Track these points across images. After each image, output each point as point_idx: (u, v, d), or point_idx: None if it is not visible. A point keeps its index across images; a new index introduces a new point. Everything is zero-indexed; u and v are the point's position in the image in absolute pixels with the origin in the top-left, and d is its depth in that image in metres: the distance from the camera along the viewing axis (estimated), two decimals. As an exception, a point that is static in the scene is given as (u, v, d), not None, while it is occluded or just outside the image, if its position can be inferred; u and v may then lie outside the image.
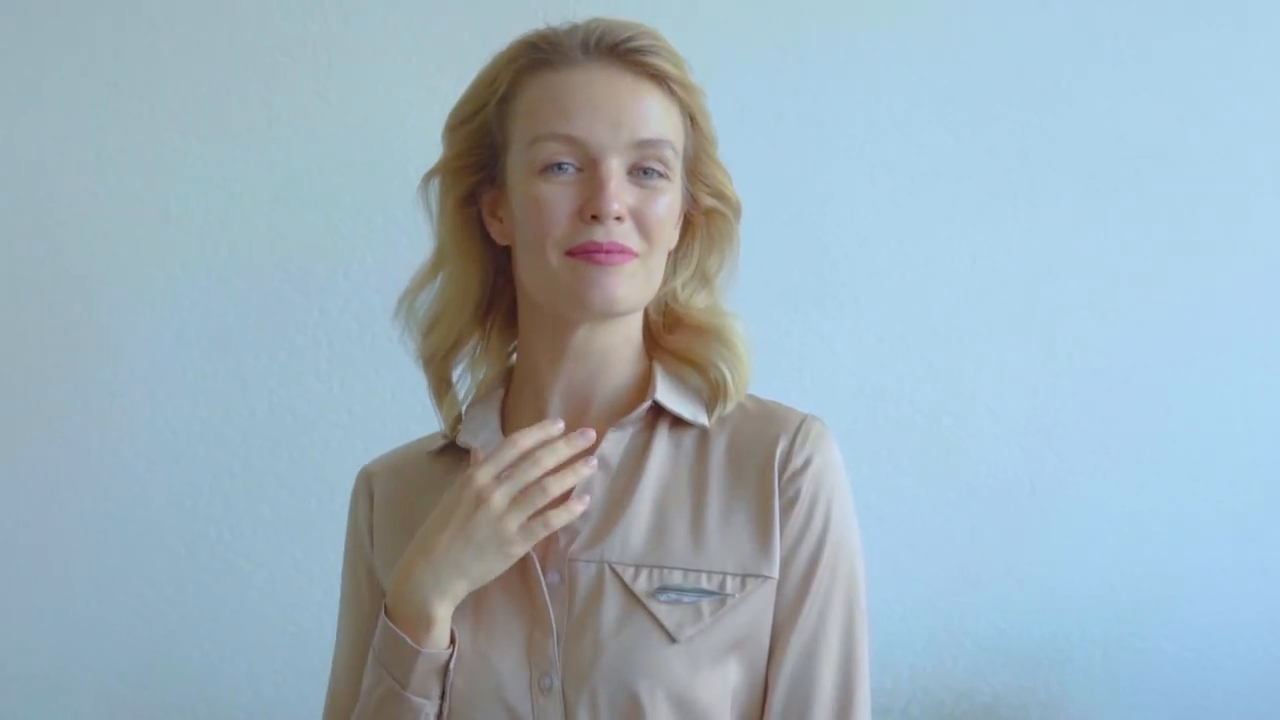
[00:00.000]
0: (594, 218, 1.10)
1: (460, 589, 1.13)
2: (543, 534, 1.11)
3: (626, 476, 1.20)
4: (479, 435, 1.24)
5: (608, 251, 1.11)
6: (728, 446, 1.21)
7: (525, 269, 1.15)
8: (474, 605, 1.16)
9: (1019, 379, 1.79)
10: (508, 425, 1.25)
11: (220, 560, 1.75)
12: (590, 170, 1.12)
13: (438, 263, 1.24)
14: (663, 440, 1.22)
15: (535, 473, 1.12)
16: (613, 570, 1.15)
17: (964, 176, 1.79)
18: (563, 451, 1.13)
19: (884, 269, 1.80)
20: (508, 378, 1.29)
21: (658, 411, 1.21)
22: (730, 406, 1.22)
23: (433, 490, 1.24)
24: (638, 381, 1.23)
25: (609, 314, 1.14)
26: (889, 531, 1.77)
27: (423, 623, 1.13)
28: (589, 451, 1.18)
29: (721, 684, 1.15)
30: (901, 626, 1.77)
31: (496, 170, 1.17)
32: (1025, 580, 1.79)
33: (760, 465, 1.18)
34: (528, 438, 1.13)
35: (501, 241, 1.19)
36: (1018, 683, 1.77)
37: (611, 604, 1.13)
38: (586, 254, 1.11)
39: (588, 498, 1.12)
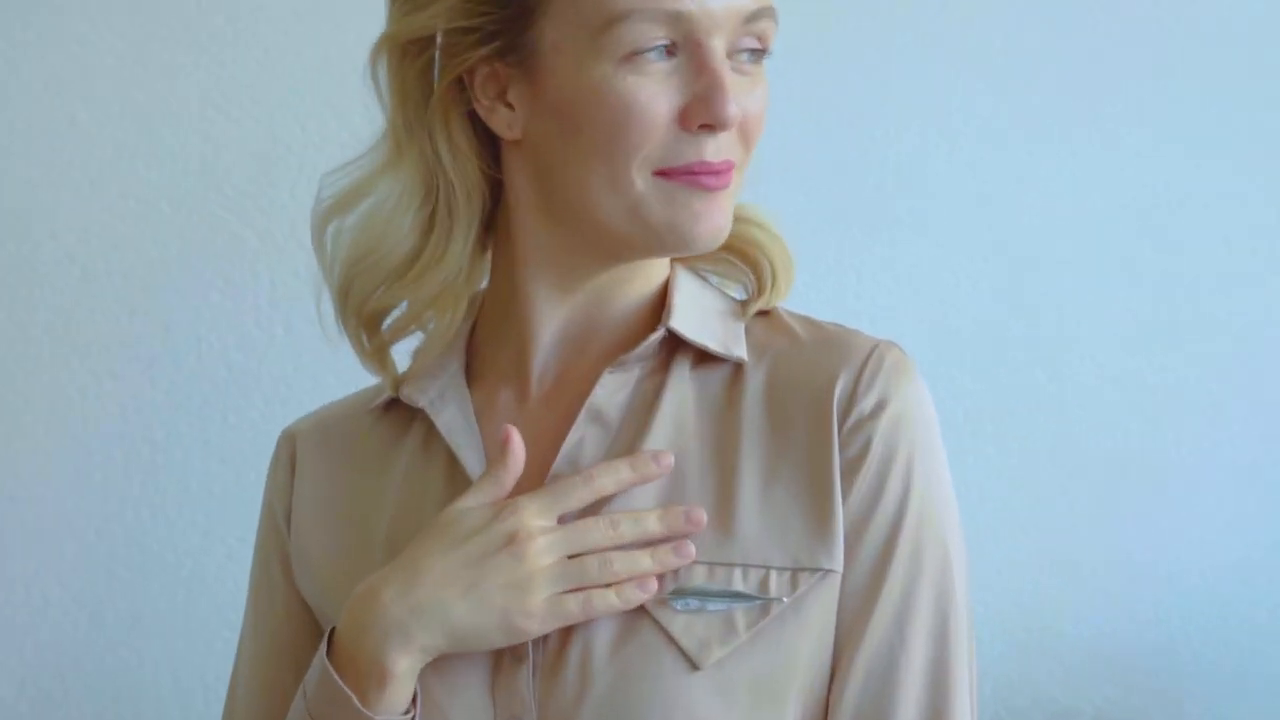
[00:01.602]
0: (704, 127, 0.87)
1: (435, 643, 0.87)
2: (577, 619, 0.86)
3: (629, 434, 0.92)
4: (430, 388, 0.97)
5: (718, 172, 0.89)
6: (769, 387, 0.92)
7: (577, 186, 0.90)
8: None
9: (1130, 326, 1.62)
10: (474, 373, 0.99)
11: (139, 549, 1.57)
12: (691, 56, 0.87)
13: (393, 162, 0.95)
14: (681, 383, 0.93)
15: (607, 537, 0.88)
16: None
17: (1065, 74, 1.60)
18: (653, 524, 0.89)
19: (961, 186, 1.60)
20: (476, 308, 1.02)
21: (675, 345, 0.94)
22: (773, 300, 0.97)
23: (375, 460, 1.00)
24: (650, 302, 0.96)
25: (708, 249, 0.91)
26: (965, 511, 1.51)
27: (375, 675, 0.86)
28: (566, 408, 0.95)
29: None
30: (981, 629, 1.54)
31: (516, 38, 0.90)
32: (1135, 574, 1.63)
33: (814, 411, 0.90)
34: (612, 475, 0.89)
35: (509, 135, 0.92)
36: (1125, 699, 1.61)
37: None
38: (691, 176, 0.88)
39: (653, 585, 0.88)
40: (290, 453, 1.03)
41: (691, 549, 0.86)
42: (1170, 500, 1.61)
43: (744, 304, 0.97)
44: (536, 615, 0.85)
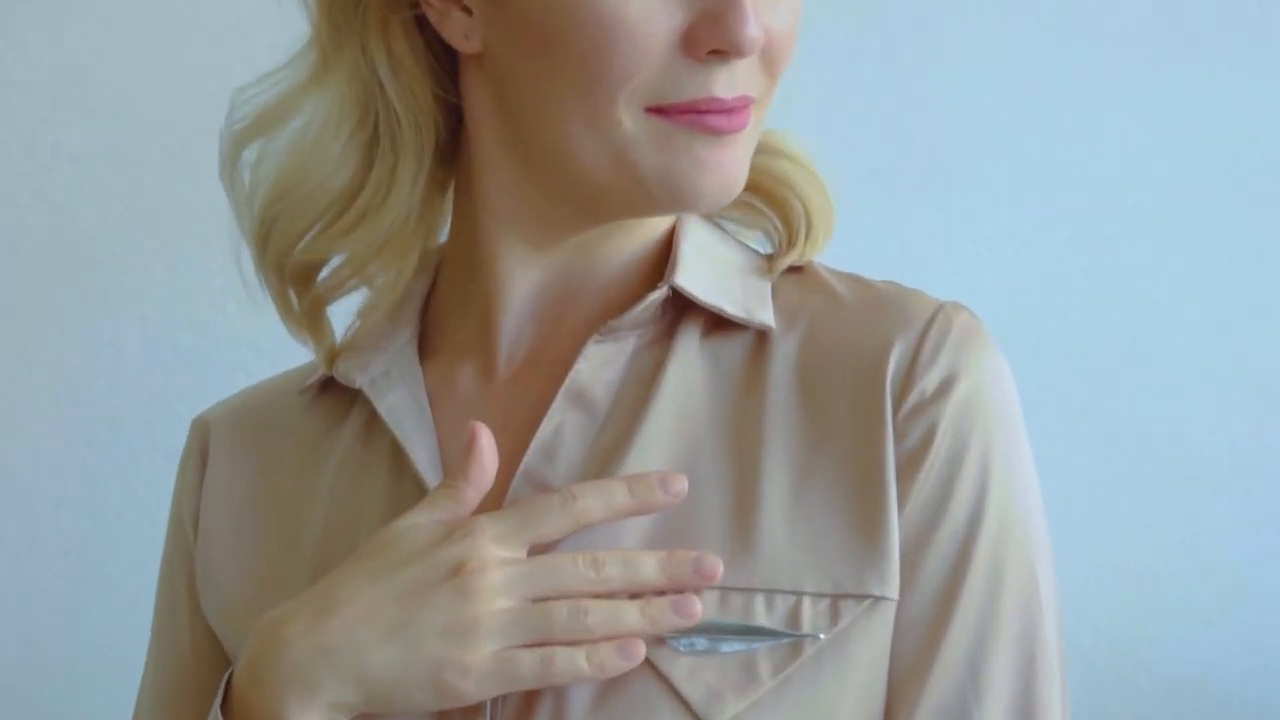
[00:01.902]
0: (715, 53, 0.69)
1: (345, 698, 0.67)
2: (529, 683, 0.67)
3: (620, 422, 0.73)
4: (372, 364, 0.80)
5: (732, 111, 0.70)
6: (802, 360, 0.73)
7: (548, 120, 0.71)
8: None
9: (1226, 309, 1.45)
10: (430, 345, 0.81)
11: (77, 560, 1.41)
12: None
13: (318, 76, 0.77)
14: (688, 356, 0.74)
15: (585, 580, 0.68)
16: None
17: (1145, 3, 1.42)
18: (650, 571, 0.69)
19: (1028, 142, 1.44)
20: (431, 268, 0.84)
21: (681, 308, 0.75)
22: (808, 253, 0.78)
23: (303, 455, 0.82)
24: (648, 257, 0.78)
25: (714, 208, 0.73)
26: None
27: None
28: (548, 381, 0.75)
29: None
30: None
31: None
32: (1228, 593, 1.47)
33: (861, 391, 0.71)
34: (601, 498, 0.69)
35: (465, 47, 0.75)
36: (1216, 741, 1.46)
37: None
38: (695, 115, 0.70)
39: (637, 651, 0.67)
40: (201, 445, 0.85)
41: (698, 608, 0.67)
42: (1268, 511, 1.45)
43: (770, 259, 0.78)
44: (475, 672, 0.65)
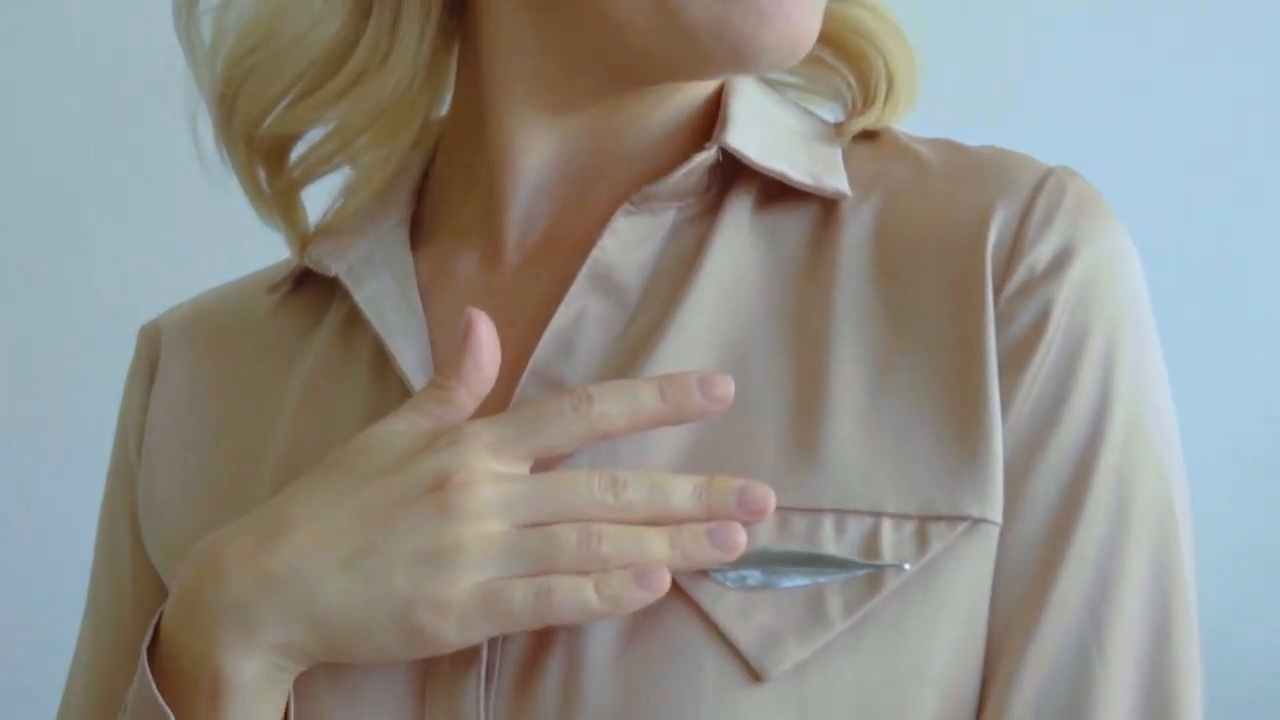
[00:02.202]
0: None
1: (294, 639, 0.53)
2: (523, 622, 0.52)
3: (655, 310, 0.59)
4: (351, 249, 0.66)
5: None
6: (879, 235, 0.59)
7: None
8: None
9: None
10: (424, 231, 0.67)
11: (9, 549, 1.24)
12: None
13: None
14: (738, 232, 0.60)
15: (600, 505, 0.53)
16: None
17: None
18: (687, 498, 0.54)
19: (1101, 72, 1.29)
20: (430, 141, 0.69)
21: (731, 176, 0.61)
22: (887, 117, 0.64)
23: (270, 361, 0.68)
24: (690, 121, 0.63)
25: (781, 68, 0.60)
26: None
27: (206, 685, 0.53)
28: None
29: None
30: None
31: None
32: None
33: (954, 268, 0.57)
34: (625, 400, 0.54)
35: None
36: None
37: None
38: None
39: (661, 581, 0.52)
40: (150, 354, 0.71)
41: (740, 539, 0.52)
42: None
43: (839, 126, 0.64)
44: (454, 609, 0.51)
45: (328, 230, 0.67)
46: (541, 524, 0.52)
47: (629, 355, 0.57)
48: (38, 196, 1.28)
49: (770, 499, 0.53)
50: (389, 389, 0.61)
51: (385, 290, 0.63)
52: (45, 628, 1.16)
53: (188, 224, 1.25)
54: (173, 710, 0.53)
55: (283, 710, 0.54)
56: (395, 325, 0.61)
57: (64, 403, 1.28)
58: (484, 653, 0.53)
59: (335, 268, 0.64)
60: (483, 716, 0.53)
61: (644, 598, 0.51)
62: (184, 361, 0.69)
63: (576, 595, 0.51)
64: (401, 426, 0.55)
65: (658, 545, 0.52)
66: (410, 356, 0.60)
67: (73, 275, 1.28)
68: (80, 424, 1.21)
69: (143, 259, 1.25)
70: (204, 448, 0.66)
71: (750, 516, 0.52)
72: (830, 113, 0.66)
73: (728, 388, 0.53)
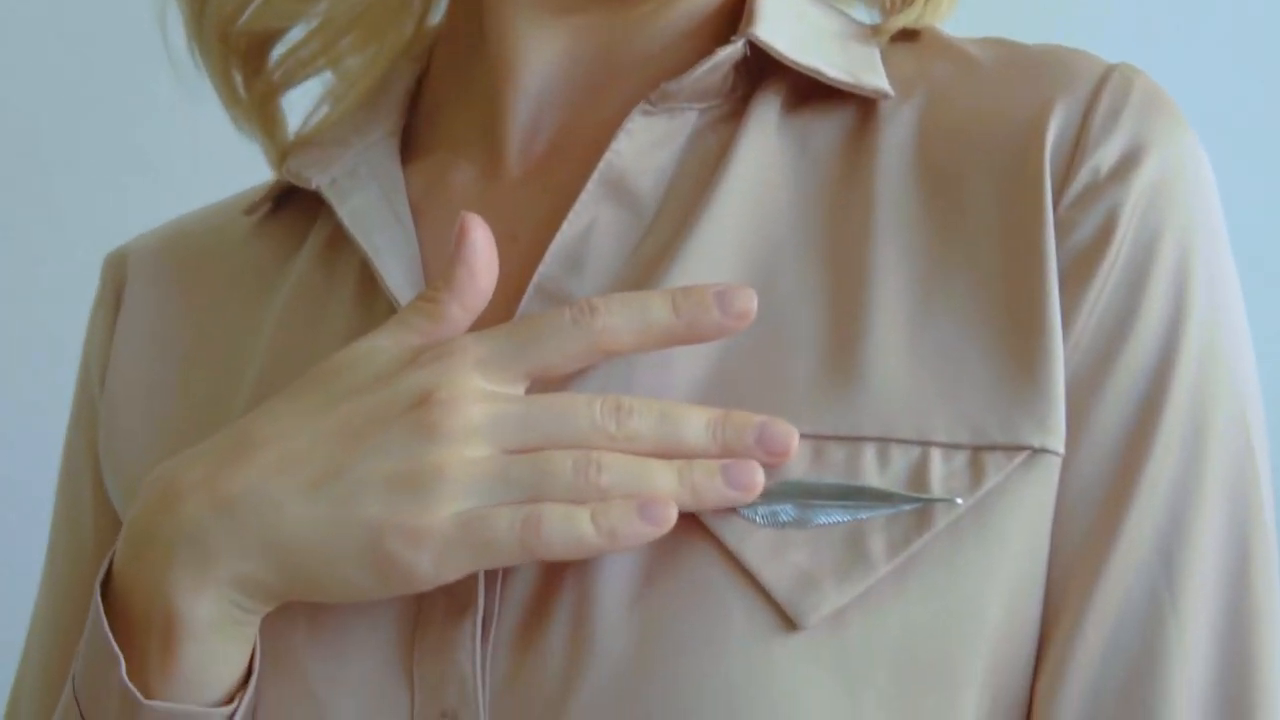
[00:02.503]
0: None
1: (255, 572, 0.46)
2: (510, 556, 0.45)
3: (673, 220, 0.52)
4: (335, 161, 0.59)
5: None
6: (923, 138, 0.52)
7: None
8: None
9: None
10: (417, 143, 0.60)
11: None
12: None
13: None
14: (766, 135, 0.53)
15: (601, 432, 0.47)
16: None
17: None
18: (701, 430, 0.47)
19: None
20: (424, 48, 0.63)
21: (758, 75, 0.55)
22: (929, 16, 0.57)
23: (247, 287, 0.61)
24: (710, 17, 0.56)
25: None
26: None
27: (158, 623, 0.47)
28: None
29: None
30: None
31: None
32: None
33: (1008, 171, 0.50)
34: (633, 314, 0.47)
35: None
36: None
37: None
38: None
39: (667, 514, 0.46)
40: (115, 283, 0.65)
41: (758, 477, 0.46)
42: None
43: (876, 27, 0.57)
44: (430, 540, 0.45)
45: (309, 141, 0.60)
46: (533, 449, 0.46)
47: (644, 270, 0.51)
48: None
49: (793, 438, 0.46)
50: (376, 313, 0.54)
51: (372, 204, 0.56)
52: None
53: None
54: (124, 652, 0.47)
55: (247, 656, 0.48)
56: (382, 242, 0.55)
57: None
58: (480, 598, 0.47)
59: (317, 181, 0.57)
60: (479, 669, 0.47)
61: (646, 531, 0.44)
62: (152, 290, 0.63)
63: (569, 525, 0.44)
64: (386, 342, 0.48)
65: (665, 479, 0.45)
66: (398, 276, 0.54)
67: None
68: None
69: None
70: (172, 381, 0.59)
71: (770, 458, 0.46)
72: (865, 17, 0.60)
73: (750, 302, 0.47)
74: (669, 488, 0.45)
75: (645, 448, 0.46)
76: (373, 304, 0.54)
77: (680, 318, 0.46)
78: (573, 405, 0.46)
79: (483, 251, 0.48)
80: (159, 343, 0.61)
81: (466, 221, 0.48)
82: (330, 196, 0.56)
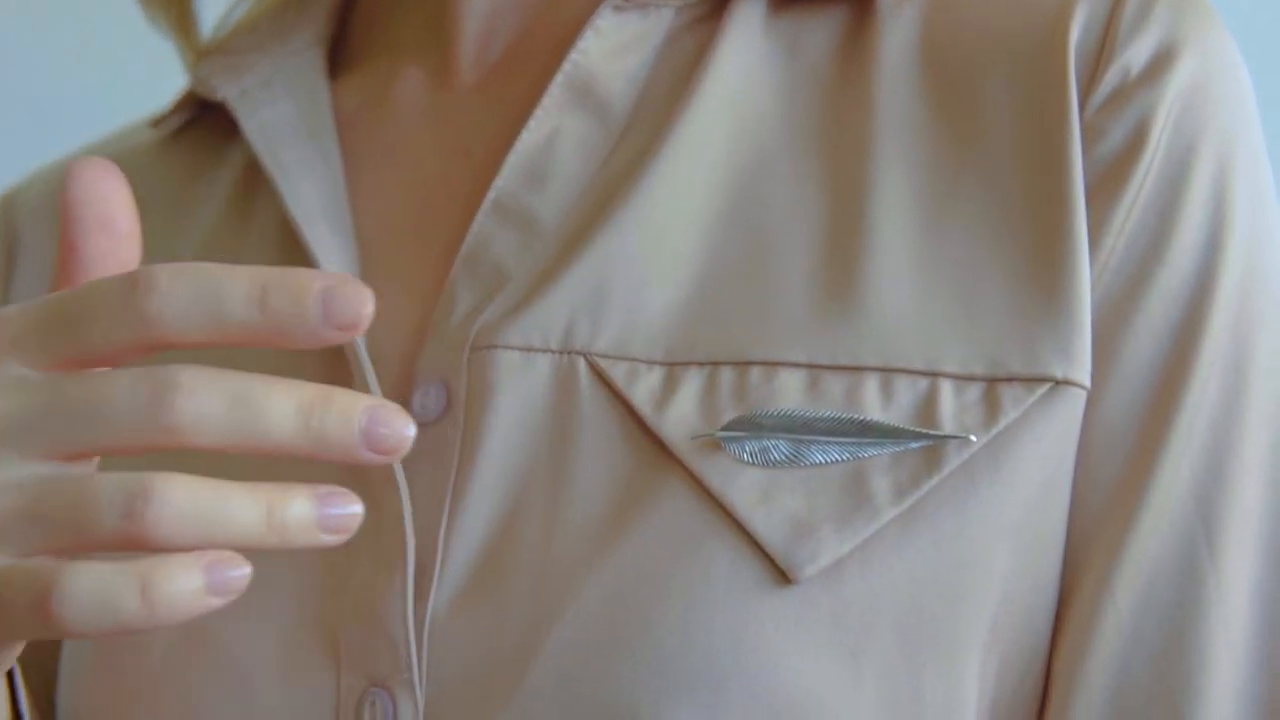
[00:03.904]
0: None
1: None
2: (30, 633, 0.33)
3: (647, 129, 0.46)
4: (249, 71, 0.52)
5: None
6: (928, 36, 0.46)
7: None
8: None
9: None
10: (352, 52, 0.55)
11: None
12: None
13: None
14: (747, 38, 0.47)
15: (152, 425, 0.32)
16: (595, 372, 0.43)
17: None
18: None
19: None
20: None
21: None
22: None
23: (157, 207, 0.51)
24: None
25: None
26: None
27: None
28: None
29: (948, 698, 0.41)
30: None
31: None
32: None
33: (1027, 72, 0.45)
34: (206, 296, 0.32)
35: None
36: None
37: (594, 469, 0.42)
38: None
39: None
40: (7, 230, 0.57)
41: (358, 514, 0.33)
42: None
43: None
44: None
45: (222, 47, 0.54)
46: (66, 458, 0.33)
47: (614, 184, 0.45)
48: None
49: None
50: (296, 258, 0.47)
51: (283, 118, 0.50)
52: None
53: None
54: None
55: None
56: (291, 161, 0.48)
57: None
58: (409, 549, 0.41)
59: (224, 91, 0.51)
60: (412, 633, 0.41)
61: (209, 605, 0.31)
62: (50, 230, 0.55)
63: (101, 597, 0.31)
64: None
65: (245, 517, 0.32)
66: (311, 198, 0.47)
67: None
68: None
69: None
70: None
71: (378, 456, 0.33)
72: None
73: (365, 306, 0.32)
74: (249, 530, 0.32)
75: (212, 442, 0.32)
76: (290, 245, 0.48)
77: (266, 316, 0.32)
78: (110, 391, 0.32)
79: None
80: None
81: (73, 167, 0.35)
82: (238, 109, 0.50)
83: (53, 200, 0.56)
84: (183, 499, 0.31)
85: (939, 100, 0.45)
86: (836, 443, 0.40)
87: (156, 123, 0.55)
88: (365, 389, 0.43)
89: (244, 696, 0.42)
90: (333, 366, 0.45)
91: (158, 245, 0.52)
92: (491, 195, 0.45)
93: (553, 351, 0.42)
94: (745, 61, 0.46)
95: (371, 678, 0.41)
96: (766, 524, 0.40)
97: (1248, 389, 0.42)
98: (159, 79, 0.59)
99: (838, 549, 0.39)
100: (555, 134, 0.46)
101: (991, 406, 0.41)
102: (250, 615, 0.42)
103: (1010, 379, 0.41)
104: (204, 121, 0.55)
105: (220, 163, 0.53)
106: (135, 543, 0.31)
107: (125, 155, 0.56)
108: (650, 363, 0.42)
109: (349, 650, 0.41)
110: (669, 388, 0.42)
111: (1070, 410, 0.41)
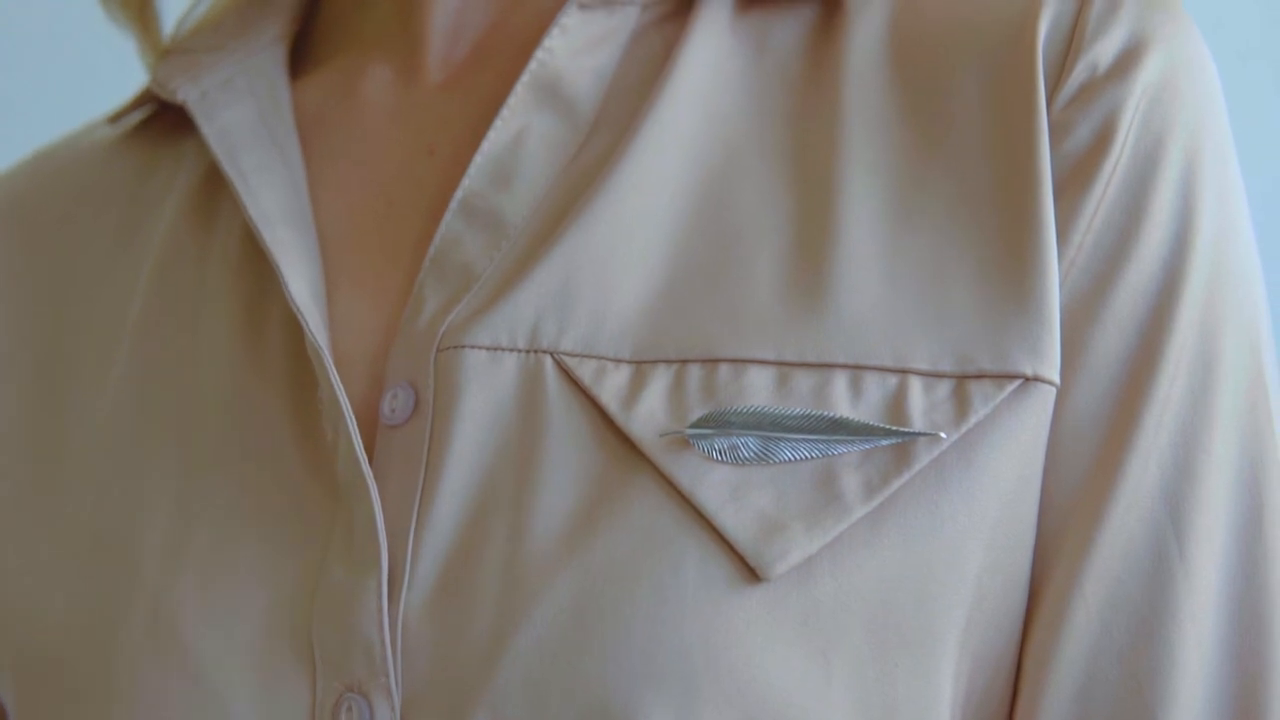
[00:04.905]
0: None
1: None
2: None
3: (614, 128, 0.46)
4: (208, 72, 0.51)
5: None
6: (897, 32, 0.47)
7: None
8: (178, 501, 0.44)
9: None
10: (315, 50, 0.54)
11: None
12: None
13: None
14: (715, 35, 0.47)
15: None
16: (563, 370, 0.42)
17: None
18: None
19: None
20: None
21: None
22: None
23: (112, 211, 0.53)
24: None
25: None
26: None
27: None
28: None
29: (921, 696, 0.40)
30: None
31: None
32: None
33: (994, 68, 0.44)
34: None
35: None
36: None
37: (563, 467, 0.41)
38: None
39: None
40: None
41: None
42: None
43: None
44: None
45: (181, 47, 0.53)
46: None
47: (581, 182, 0.45)
48: None
49: None
50: (260, 267, 0.47)
51: (244, 120, 0.49)
52: None
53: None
54: None
55: None
56: (251, 166, 0.47)
57: None
58: (383, 550, 0.41)
59: (184, 94, 0.50)
60: (387, 635, 0.40)
61: None
62: (7, 239, 0.54)
63: None
64: None
65: None
66: (270, 204, 0.46)
67: None
68: None
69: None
70: (21, 370, 0.50)
71: None
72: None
73: None
74: None
75: None
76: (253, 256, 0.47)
77: None
78: None
79: None
80: (15, 308, 0.52)
81: None
82: (197, 113, 0.49)
83: (9, 205, 0.55)
84: None
85: (907, 97, 0.44)
86: (806, 440, 0.40)
87: (114, 119, 0.54)
88: (331, 393, 0.42)
89: (217, 706, 0.42)
90: (298, 372, 0.45)
91: (118, 242, 0.51)
92: (459, 195, 0.45)
93: (519, 350, 0.42)
94: (713, 58, 0.46)
95: (347, 683, 0.40)
96: (736, 522, 0.39)
97: (1215, 385, 0.42)
98: (125, 78, 0.58)
99: (808, 547, 0.39)
100: (522, 133, 0.45)
101: (961, 404, 0.40)
102: (221, 623, 0.41)
103: (980, 376, 0.41)
104: (166, 115, 0.54)
105: (181, 157, 0.52)
106: None
107: (84, 152, 0.55)
108: (618, 361, 0.42)
109: (324, 656, 0.41)
110: (637, 386, 0.41)
111: (1040, 407, 0.41)
